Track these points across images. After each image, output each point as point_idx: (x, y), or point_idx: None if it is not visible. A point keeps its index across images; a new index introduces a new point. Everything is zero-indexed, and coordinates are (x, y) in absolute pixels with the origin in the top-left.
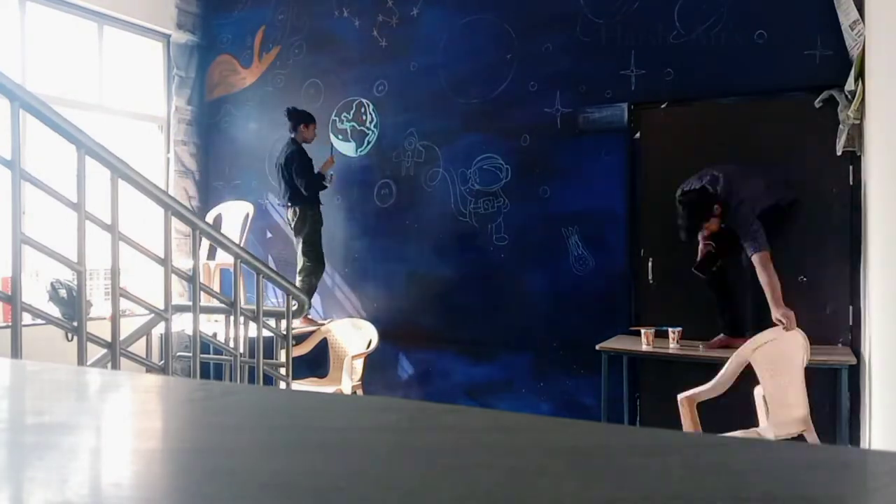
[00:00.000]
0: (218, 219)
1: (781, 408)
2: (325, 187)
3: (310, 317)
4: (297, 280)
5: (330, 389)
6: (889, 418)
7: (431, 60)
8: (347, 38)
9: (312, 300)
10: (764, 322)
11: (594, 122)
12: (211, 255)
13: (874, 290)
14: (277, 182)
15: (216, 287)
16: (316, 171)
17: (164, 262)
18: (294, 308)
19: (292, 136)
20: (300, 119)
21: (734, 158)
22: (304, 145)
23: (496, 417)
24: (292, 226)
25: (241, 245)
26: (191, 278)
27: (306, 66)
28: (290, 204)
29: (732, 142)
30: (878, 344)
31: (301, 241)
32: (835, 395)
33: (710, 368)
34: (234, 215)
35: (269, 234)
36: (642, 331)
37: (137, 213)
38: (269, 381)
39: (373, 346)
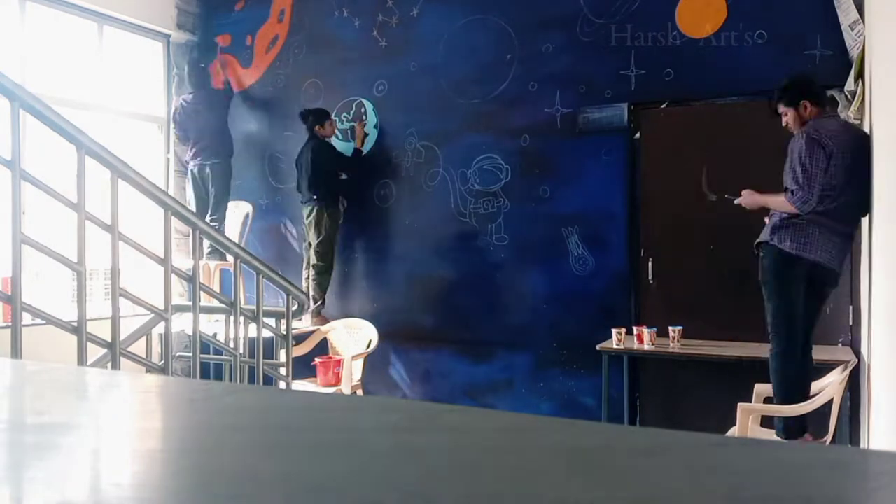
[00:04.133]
0: (247, 216)
1: None
2: (344, 182)
3: (324, 314)
4: (311, 279)
5: (330, 389)
6: (889, 418)
7: (431, 60)
8: (347, 38)
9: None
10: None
11: (594, 122)
12: (211, 255)
13: (874, 290)
14: (298, 179)
15: (216, 287)
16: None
17: (164, 262)
18: (294, 308)
19: (311, 133)
20: (315, 120)
21: (734, 158)
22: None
23: (496, 417)
24: (308, 226)
25: (241, 245)
26: (191, 278)
27: (306, 66)
28: (313, 198)
29: (732, 142)
30: (878, 344)
31: (316, 240)
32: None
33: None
34: (234, 215)
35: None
36: (635, 329)
37: (137, 214)
38: (269, 381)
39: (373, 346)
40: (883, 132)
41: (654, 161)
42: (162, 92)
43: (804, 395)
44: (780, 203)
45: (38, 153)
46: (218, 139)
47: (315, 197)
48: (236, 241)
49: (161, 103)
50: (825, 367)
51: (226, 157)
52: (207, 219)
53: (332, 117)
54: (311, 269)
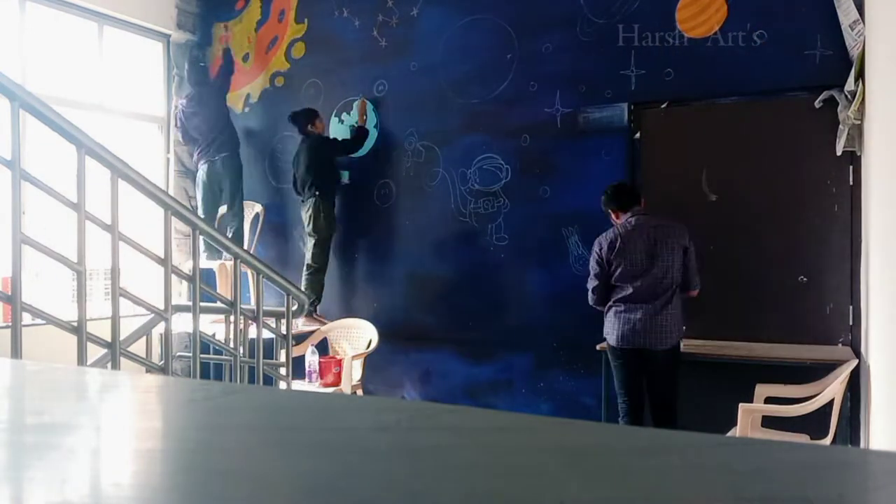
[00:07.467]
0: (257, 216)
1: None
2: (340, 181)
3: (317, 315)
4: (303, 279)
5: (329, 390)
6: (889, 418)
7: (431, 60)
8: (347, 38)
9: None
10: None
11: (594, 122)
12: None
13: (874, 290)
14: (295, 178)
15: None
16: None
17: (164, 262)
18: (294, 308)
19: (304, 134)
20: (306, 121)
21: (734, 158)
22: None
23: (496, 417)
24: (305, 224)
25: (253, 245)
26: (191, 278)
27: (306, 66)
28: (315, 194)
29: (732, 142)
30: (878, 344)
31: (311, 240)
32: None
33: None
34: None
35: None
36: None
37: (138, 214)
38: (269, 381)
39: (373, 346)
40: (882, 132)
41: (654, 161)
42: (162, 92)
43: None
44: None
45: (38, 153)
46: (225, 133)
47: (317, 193)
48: (249, 241)
49: (161, 103)
50: (825, 367)
51: (234, 150)
52: (225, 211)
53: (321, 114)
54: (304, 269)
